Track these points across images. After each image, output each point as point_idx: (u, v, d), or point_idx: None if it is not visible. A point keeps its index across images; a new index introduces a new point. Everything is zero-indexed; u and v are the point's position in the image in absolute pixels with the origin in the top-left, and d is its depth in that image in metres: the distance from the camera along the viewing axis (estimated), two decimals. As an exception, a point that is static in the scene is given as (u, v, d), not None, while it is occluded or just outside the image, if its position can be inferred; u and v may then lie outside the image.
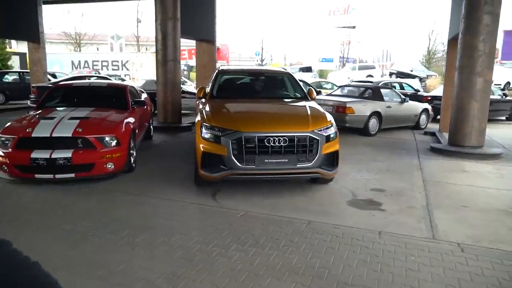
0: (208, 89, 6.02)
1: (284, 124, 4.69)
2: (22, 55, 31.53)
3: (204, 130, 4.70)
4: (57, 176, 4.95)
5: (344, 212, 4.39)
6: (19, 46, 33.39)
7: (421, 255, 3.31)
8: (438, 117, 10.77)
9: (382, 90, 10.08)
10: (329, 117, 5.01)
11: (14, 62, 30.53)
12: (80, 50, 37.76)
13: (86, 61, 29.38)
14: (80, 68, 28.81)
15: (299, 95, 6.04)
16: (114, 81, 11.14)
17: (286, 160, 4.52)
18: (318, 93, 11.41)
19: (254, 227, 3.84)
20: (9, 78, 17.54)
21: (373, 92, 9.84)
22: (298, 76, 22.99)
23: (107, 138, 5.17)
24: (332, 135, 4.80)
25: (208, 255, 3.23)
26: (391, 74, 24.52)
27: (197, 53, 11.70)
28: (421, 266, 3.12)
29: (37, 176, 4.94)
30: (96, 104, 6.41)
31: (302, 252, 3.32)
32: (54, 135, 4.96)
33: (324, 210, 4.38)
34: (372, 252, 3.36)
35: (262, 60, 42.01)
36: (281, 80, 6.59)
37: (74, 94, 6.75)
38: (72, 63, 29.46)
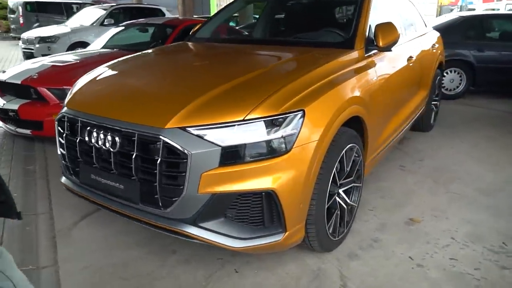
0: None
1: (138, 105, 2.01)
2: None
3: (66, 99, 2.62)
4: (18, 130, 4.18)
5: None
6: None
7: None
8: None
9: None
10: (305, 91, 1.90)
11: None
12: None
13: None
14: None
15: (347, 38, 2.72)
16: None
17: (122, 187, 1.96)
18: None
19: None
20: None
21: None
22: None
23: (66, 91, 3.93)
24: (275, 142, 1.78)
25: None
26: None
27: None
28: None
29: (6, 126, 4.32)
30: (138, 44, 5.26)
31: None
32: (8, 80, 4.13)
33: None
34: None
35: None
36: (338, 9, 3.25)
37: (134, 33, 5.75)
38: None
